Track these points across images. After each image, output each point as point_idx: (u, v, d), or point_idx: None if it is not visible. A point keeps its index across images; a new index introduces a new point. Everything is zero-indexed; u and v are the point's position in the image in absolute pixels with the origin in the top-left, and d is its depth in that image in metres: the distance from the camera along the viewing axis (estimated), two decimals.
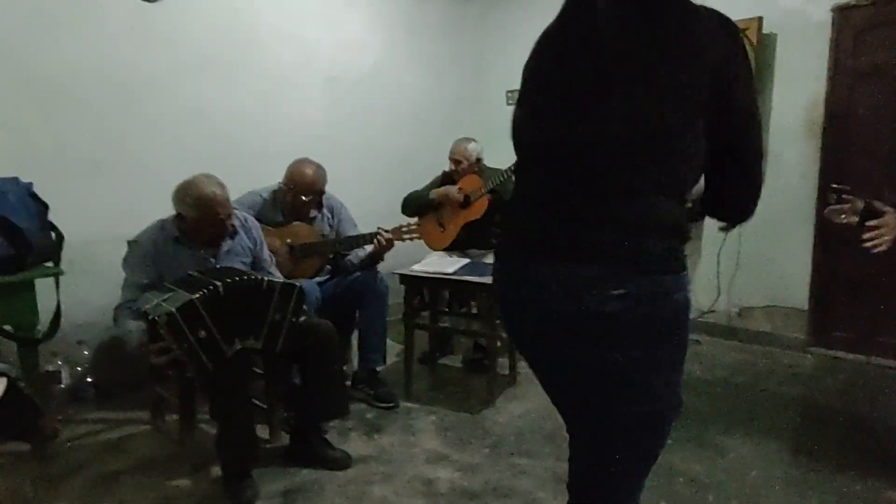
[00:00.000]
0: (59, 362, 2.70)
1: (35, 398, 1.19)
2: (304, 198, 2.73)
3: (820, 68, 3.35)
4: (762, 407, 2.77)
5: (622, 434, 1.08)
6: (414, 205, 3.30)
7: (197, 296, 1.87)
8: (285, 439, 2.34)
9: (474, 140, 3.31)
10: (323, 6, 3.76)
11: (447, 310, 3.37)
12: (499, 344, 2.85)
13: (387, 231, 2.76)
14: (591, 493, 1.17)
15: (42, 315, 2.32)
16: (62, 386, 2.71)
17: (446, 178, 3.39)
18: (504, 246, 1.16)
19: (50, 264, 2.35)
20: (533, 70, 1.11)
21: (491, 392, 2.82)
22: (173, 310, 1.83)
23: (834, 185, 2.74)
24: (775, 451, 2.36)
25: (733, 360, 3.44)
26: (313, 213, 2.83)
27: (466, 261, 2.92)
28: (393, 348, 3.14)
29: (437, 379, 3.22)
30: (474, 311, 3.25)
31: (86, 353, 2.83)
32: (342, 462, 2.22)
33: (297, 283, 2.15)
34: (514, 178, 1.20)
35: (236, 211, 2.32)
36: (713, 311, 3.79)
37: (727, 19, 1.02)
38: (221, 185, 2.17)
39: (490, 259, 2.23)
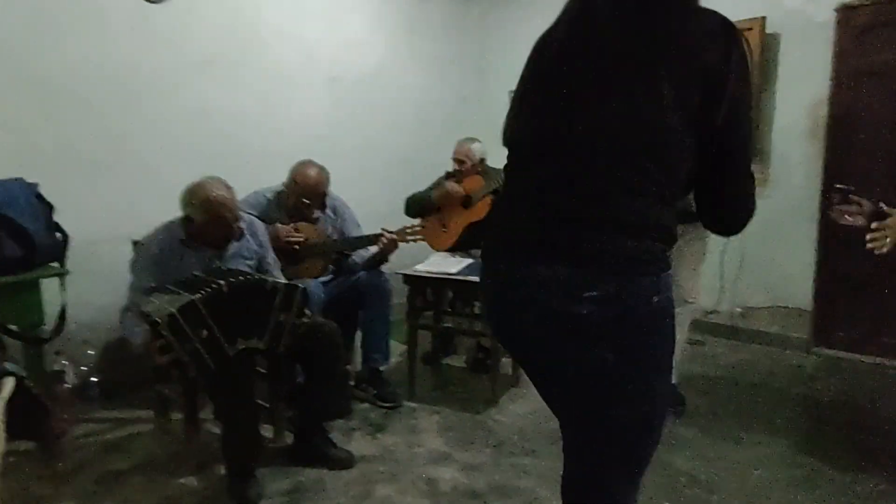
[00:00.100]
0: (65, 362, 2.71)
1: (43, 397, 1.20)
2: (306, 200, 2.74)
3: (823, 68, 3.34)
4: (765, 407, 2.77)
5: (606, 435, 1.08)
6: (416, 206, 3.30)
7: (198, 296, 1.88)
8: (289, 439, 2.35)
9: (478, 140, 3.32)
10: (324, 6, 3.77)
11: (450, 310, 3.37)
12: None
13: (391, 232, 2.77)
14: (581, 494, 1.16)
15: (47, 315, 2.33)
16: (67, 385, 2.72)
17: (450, 179, 3.39)
18: (487, 246, 1.16)
19: (55, 265, 2.36)
20: (531, 69, 1.11)
21: (494, 392, 2.83)
22: (174, 310, 1.84)
23: (837, 186, 2.73)
24: (778, 451, 2.36)
25: (736, 361, 3.44)
26: (317, 213, 2.84)
27: (469, 261, 2.93)
28: (396, 348, 3.15)
29: (441, 379, 3.23)
30: (477, 311, 3.25)
31: (90, 352, 2.84)
32: (346, 461, 2.23)
33: (301, 285, 2.16)
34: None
35: (243, 214, 2.33)
36: (716, 312, 3.79)
37: (727, 23, 0.99)
38: (229, 188, 2.18)
39: None
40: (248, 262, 2.34)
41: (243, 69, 3.38)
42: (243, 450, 2.06)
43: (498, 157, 3.49)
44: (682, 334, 2.81)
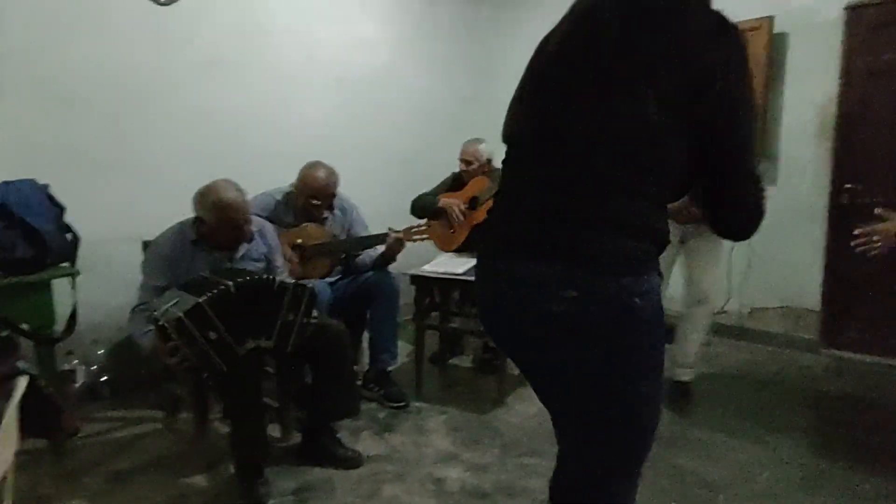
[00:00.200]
0: (75, 361, 2.74)
1: (55, 396, 1.22)
2: (315, 202, 2.76)
3: (831, 68, 3.33)
4: (773, 408, 2.76)
5: (591, 434, 1.08)
6: (421, 210, 3.31)
7: (204, 298, 1.88)
8: (297, 438, 2.36)
9: (485, 141, 3.32)
10: (330, 7, 3.78)
11: (457, 310, 3.38)
12: None
13: (397, 231, 2.78)
14: (568, 492, 1.16)
15: (58, 315, 2.35)
16: (78, 385, 2.75)
17: (456, 179, 3.40)
18: (480, 243, 1.18)
19: (66, 265, 2.38)
20: (531, 68, 1.12)
21: (501, 392, 2.83)
22: (181, 314, 1.85)
23: (847, 186, 2.71)
24: (786, 451, 2.35)
25: (744, 361, 3.43)
26: (325, 214, 2.85)
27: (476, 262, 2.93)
28: (403, 348, 3.16)
29: (448, 379, 3.23)
30: None
31: (100, 352, 2.87)
32: (353, 461, 2.24)
33: (309, 284, 2.17)
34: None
35: (253, 216, 2.35)
36: (724, 312, 3.78)
37: (725, 22, 0.98)
38: (241, 191, 2.20)
39: None
40: (258, 263, 2.35)
41: (249, 70, 3.39)
42: (251, 449, 2.07)
43: None
44: (698, 333, 2.82)
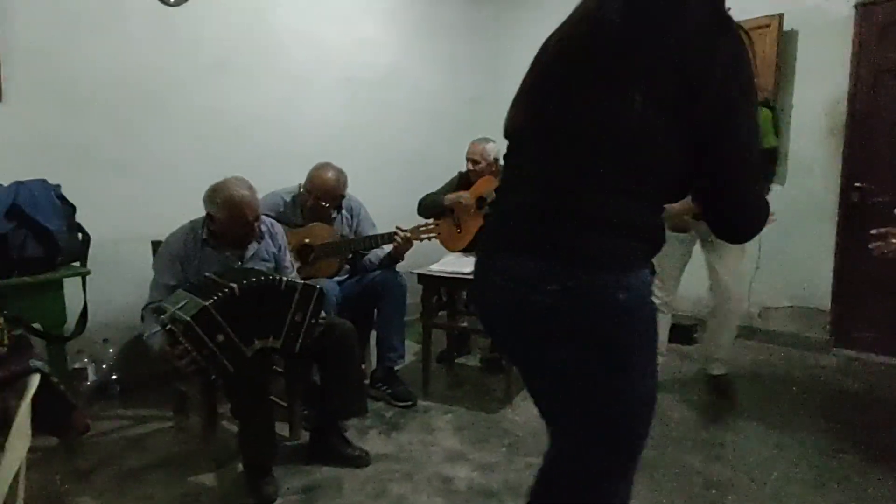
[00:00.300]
0: (86, 360, 2.76)
1: (67, 394, 1.23)
2: (324, 203, 2.77)
3: (842, 65, 3.31)
4: (783, 408, 2.75)
5: (576, 431, 1.08)
6: (428, 209, 3.31)
7: (210, 301, 1.88)
8: (305, 437, 2.37)
9: (492, 140, 3.32)
10: (339, 8, 3.79)
11: (464, 309, 3.38)
12: None
13: (405, 230, 2.78)
14: (560, 494, 1.16)
15: (69, 314, 2.37)
16: (88, 383, 2.77)
17: (463, 179, 3.40)
18: (479, 239, 1.19)
19: (77, 264, 2.40)
20: (532, 65, 1.12)
21: (508, 391, 2.83)
22: (189, 319, 1.85)
23: (857, 185, 2.69)
24: (796, 452, 2.34)
25: (754, 361, 3.41)
26: (333, 213, 2.86)
27: None
28: (411, 347, 3.16)
29: (455, 378, 3.23)
30: None
31: (111, 351, 2.89)
32: (361, 460, 2.24)
33: (318, 285, 2.18)
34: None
35: (264, 216, 2.36)
36: None
37: (723, 20, 0.96)
38: (251, 189, 2.21)
39: None
40: (267, 263, 2.37)
41: (259, 71, 3.41)
42: (260, 448, 2.09)
43: None
44: (727, 331, 2.82)
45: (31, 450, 1.07)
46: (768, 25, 3.37)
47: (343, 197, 2.86)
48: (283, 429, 2.38)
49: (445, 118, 4.45)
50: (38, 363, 1.15)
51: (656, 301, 2.83)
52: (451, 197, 3.25)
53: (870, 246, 1.89)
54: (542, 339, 1.03)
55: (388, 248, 2.87)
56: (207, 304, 1.88)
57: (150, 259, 2.48)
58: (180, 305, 1.94)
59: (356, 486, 2.11)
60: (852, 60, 3.27)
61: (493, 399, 2.85)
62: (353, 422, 2.52)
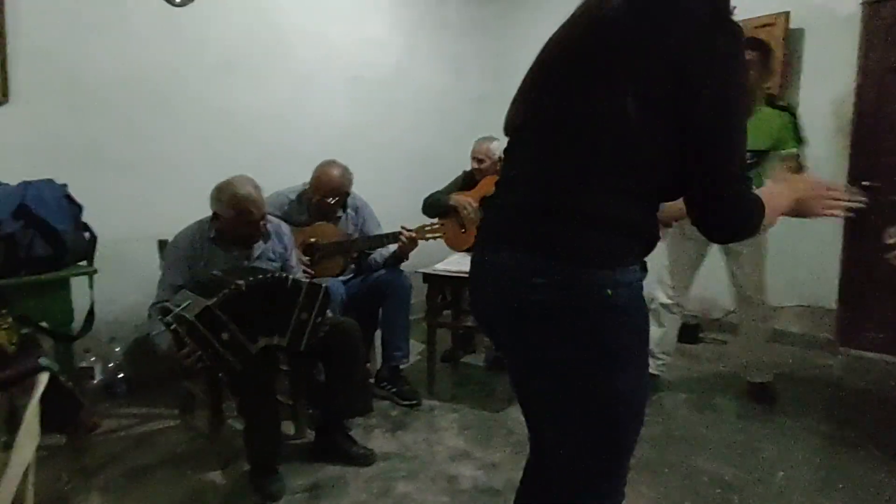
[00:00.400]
0: (93, 359, 2.78)
1: (75, 392, 1.24)
2: (329, 200, 2.77)
3: (849, 64, 3.28)
4: (790, 407, 2.74)
5: (561, 430, 1.08)
6: (432, 208, 3.31)
7: (214, 300, 1.89)
8: (310, 436, 2.38)
9: (497, 139, 3.31)
10: (345, 7, 3.79)
11: (469, 309, 3.37)
12: None
13: (410, 230, 2.79)
14: (544, 494, 1.15)
15: (76, 313, 2.38)
16: (95, 382, 2.79)
17: (468, 178, 3.40)
18: (477, 233, 1.20)
19: (84, 263, 2.41)
20: (533, 63, 1.13)
21: (513, 391, 2.82)
22: (192, 319, 1.86)
23: (864, 184, 2.67)
24: (803, 452, 2.33)
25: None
26: (339, 212, 2.87)
27: None
28: (415, 347, 3.17)
29: (460, 377, 3.24)
30: None
31: (117, 349, 2.90)
32: (366, 458, 2.25)
33: (323, 284, 2.18)
34: None
35: (270, 217, 2.37)
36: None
37: (717, 13, 0.95)
38: (257, 187, 2.22)
39: None
40: (274, 263, 2.38)
41: (264, 70, 3.42)
42: (265, 446, 2.10)
43: None
44: (757, 334, 2.80)
45: (38, 448, 1.08)
46: (774, 23, 3.36)
47: (348, 194, 2.86)
48: (288, 427, 2.39)
49: (450, 117, 4.45)
50: (47, 361, 1.16)
51: (667, 301, 2.83)
52: (456, 197, 3.25)
53: (886, 255, 1.87)
54: (529, 332, 1.03)
55: (392, 247, 2.87)
56: (210, 303, 1.89)
57: (157, 258, 2.50)
58: (185, 305, 1.95)
59: (361, 485, 2.12)
60: (859, 58, 3.25)
61: (498, 398, 2.85)
62: (358, 421, 2.53)
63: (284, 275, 2.12)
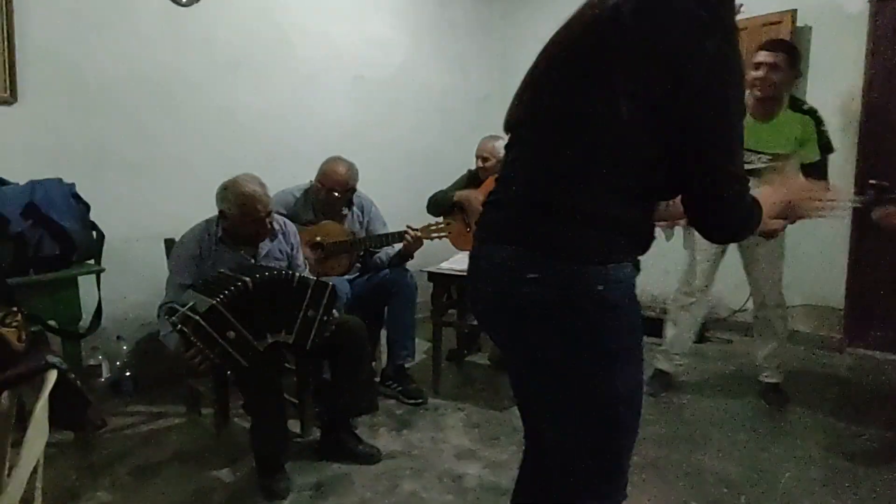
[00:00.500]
0: (100, 357, 2.80)
1: (84, 389, 1.25)
2: (336, 194, 2.79)
3: (856, 62, 3.26)
4: (797, 407, 2.73)
5: (554, 426, 1.08)
6: (437, 207, 3.31)
7: (219, 299, 1.89)
8: (316, 434, 2.39)
9: (502, 138, 3.30)
10: (349, 7, 3.80)
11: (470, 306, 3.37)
12: None
13: (415, 229, 2.79)
14: (541, 494, 1.15)
15: (83, 311, 2.40)
16: (102, 380, 2.80)
17: (472, 177, 3.39)
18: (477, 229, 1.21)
19: (91, 262, 2.43)
20: (533, 62, 1.13)
21: (512, 391, 2.82)
22: (198, 318, 1.87)
23: (872, 182, 2.65)
24: (810, 451, 2.32)
25: None
26: (344, 211, 2.88)
27: None
28: (421, 345, 3.17)
29: (465, 376, 3.24)
30: None
31: (124, 348, 2.92)
32: (372, 457, 2.26)
33: (329, 282, 2.19)
34: None
35: (277, 216, 2.38)
36: (744, 311, 3.72)
37: (719, 18, 0.94)
38: (262, 185, 2.24)
39: None
40: (281, 262, 2.39)
41: (269, 70, 3.43)
42: (271, 444, 2.10)
43: None
44: (774, 337, 2.78)
45: (46, 445, 1.09)
46: (781, 21, 3.34)
47: (354, 189, 2.87)
48: (294, 426, 2.40)
49: (455, 116, 4.45)
50: (55, 359, 1.17)
51: (686, 301, 2.81)
52: (461, 193, 3.25)
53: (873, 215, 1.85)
54: (527, 332, 1.04)
55: (398, 246, 2.87)
56: (215, 301, 1.89)
57: (164, 257, 2.51)
58: (190, 305, 1.95)
59: (367, 483, 2.12)
60: (866, 56, 3.23)
61: (503, 397, 2.84)
62: (364, 419, 2.52)
63: (291, 272, 2.12)
